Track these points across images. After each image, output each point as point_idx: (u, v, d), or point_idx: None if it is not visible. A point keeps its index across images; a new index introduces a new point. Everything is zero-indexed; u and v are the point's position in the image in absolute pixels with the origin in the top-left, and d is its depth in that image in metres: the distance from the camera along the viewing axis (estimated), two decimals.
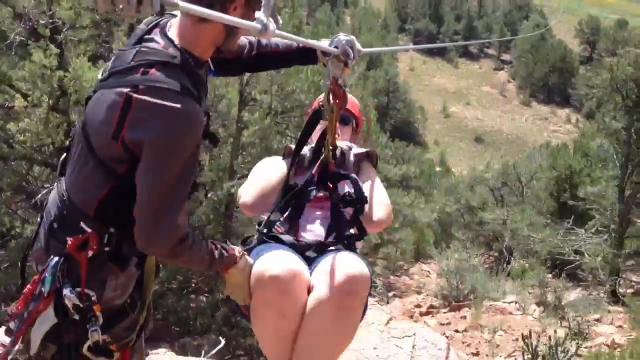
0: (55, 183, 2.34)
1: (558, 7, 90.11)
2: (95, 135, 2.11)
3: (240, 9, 2.12)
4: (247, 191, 2.88)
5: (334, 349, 2.48)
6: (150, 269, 2.39)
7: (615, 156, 16.76)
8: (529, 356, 7.68)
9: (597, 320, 11.93)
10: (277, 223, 2.70)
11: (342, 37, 2.63)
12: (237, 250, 2.39)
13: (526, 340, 7.68)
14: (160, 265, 2.54)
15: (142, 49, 2.11)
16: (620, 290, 15.03)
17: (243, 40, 2.69)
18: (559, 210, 19.94)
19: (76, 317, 2.10)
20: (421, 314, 13.14)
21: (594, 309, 12.55)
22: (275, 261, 2.35)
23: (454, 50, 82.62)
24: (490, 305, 12.64)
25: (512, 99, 75.07)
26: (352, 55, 2.62)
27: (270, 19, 1.95)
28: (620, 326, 11.59)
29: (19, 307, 2.16)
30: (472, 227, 21.83)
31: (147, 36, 2.19)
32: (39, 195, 7.92)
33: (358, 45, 2.66)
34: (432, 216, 21.66)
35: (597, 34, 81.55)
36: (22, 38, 8.33)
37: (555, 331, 8.36)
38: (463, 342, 10.34)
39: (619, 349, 8.27)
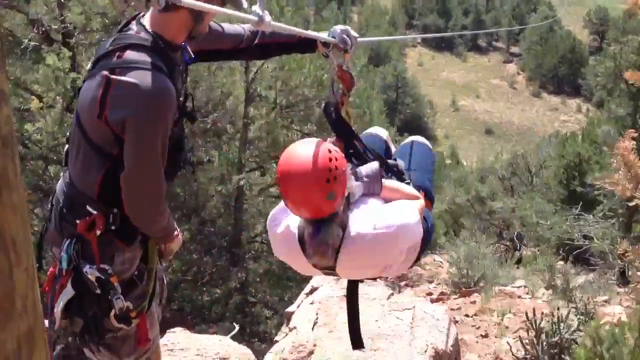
0: (62, 173, 2.60)
1: None
2: (85, 119, 2.37)
3: None
4: None
5: None
6: (153, 241, 2.62)
7: None
8: (533, 333, 7.87)
9: (606, 301, 12.06)
10: None
11: (338, 27, 2.83)
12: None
13: (530, 319, 7.88)
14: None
15: (119, 36, 2.39)
16: (630, 273, 15.12)
17: (239, 30, 2.90)
18: (568, 198, 20.04)
19: (98, 290, 2.35)
20: (432, 301, 13.31)
21: (603, 291, 12.67)
22: None
23: (463, 45, 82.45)
24: (500, 290, 12.80)
25: (522, 90, 74.86)
26: (350, 42, 2.82)
27: (266, 11, 2.14)
28: (628, 306, 11.72)
29: (46, 288, 2.45)
30: (482, 217, 21.95)
31: (125, 27, 2.45)
32: None
33: (353, 33, 2.86)
34: (443, 207, 21.84)
35: (606, 24, 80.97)
36: (36, 43, 8.67)
37: (558, 308, 8.54)
38: (473, 326, 10.53)
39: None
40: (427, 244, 2.84)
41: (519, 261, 16.88)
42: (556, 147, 23.59)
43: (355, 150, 2.80)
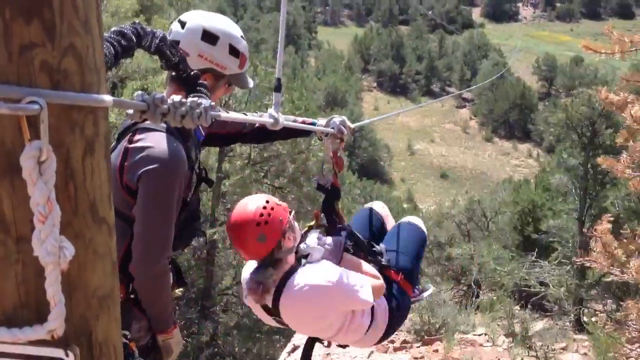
0: None
1: (515, 45, 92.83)
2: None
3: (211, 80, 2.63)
4: None
5: None
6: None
7: (574, 190, 17.53)
8: None
9: (563, 348, 12.37)
10: None
11: (336, 118, 3.17)
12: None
13: None
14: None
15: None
16: (584, 319, 15.57)
17: (241, 115, 3.15)
18: (524, 244, 20.57)
19: None
20: (395, 349, 13.40)
21: (560, 338, 12.99)
22: None
23: (417, 90, 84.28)
24: (462, 338, 12.99)
25: (474, 135, 76.66)
26: (345, 132, 3.14)
27: (280, 114, 2.44)
28: (585, 353, 12.05)
29: None
30: (441, 262, 22.29)
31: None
32: None
33: (349, 123, 3.20)
34: None
35: (554, 71, 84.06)
36: None
37: None
38: None
39: None
40: (397, 321, 3.10)
41: (477, 307, 17.17)
42: (510, 194, 24.24)
43: (331, 224, 3.11)
